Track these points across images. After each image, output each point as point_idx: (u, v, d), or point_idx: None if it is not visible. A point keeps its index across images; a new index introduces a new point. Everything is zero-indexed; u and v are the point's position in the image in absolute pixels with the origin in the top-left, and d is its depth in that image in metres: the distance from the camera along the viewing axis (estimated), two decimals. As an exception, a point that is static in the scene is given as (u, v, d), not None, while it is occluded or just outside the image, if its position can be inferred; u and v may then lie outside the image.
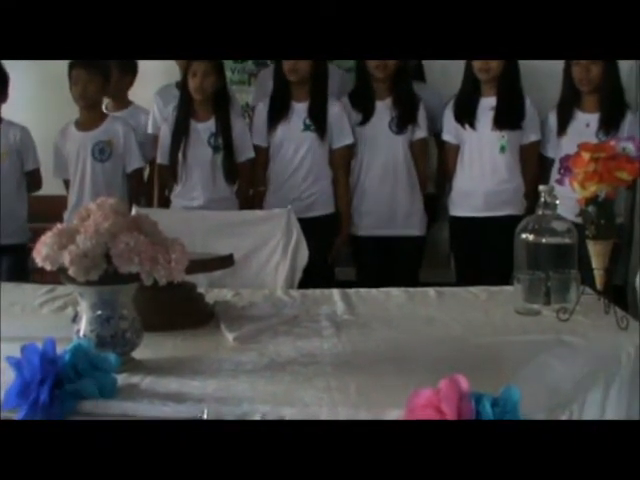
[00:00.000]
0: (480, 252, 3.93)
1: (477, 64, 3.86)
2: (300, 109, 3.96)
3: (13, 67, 4.00)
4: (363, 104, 4.02)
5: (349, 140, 4.00)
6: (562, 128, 3.91)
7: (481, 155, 3.95)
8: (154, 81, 4.58)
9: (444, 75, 4.33)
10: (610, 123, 3.81)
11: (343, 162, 4.04)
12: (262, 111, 4.03)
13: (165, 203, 4.07)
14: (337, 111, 3.98)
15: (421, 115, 4.04)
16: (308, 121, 3.96)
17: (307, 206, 3.90)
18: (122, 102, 4.41)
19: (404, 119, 4.00)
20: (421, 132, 4.06)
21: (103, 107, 4.29)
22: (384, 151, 4.02)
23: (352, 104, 4.04)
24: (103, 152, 4.05)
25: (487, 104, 3.92)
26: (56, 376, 1.71)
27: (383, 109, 4.01)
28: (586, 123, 3.86)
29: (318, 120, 3.94)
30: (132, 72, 4.43)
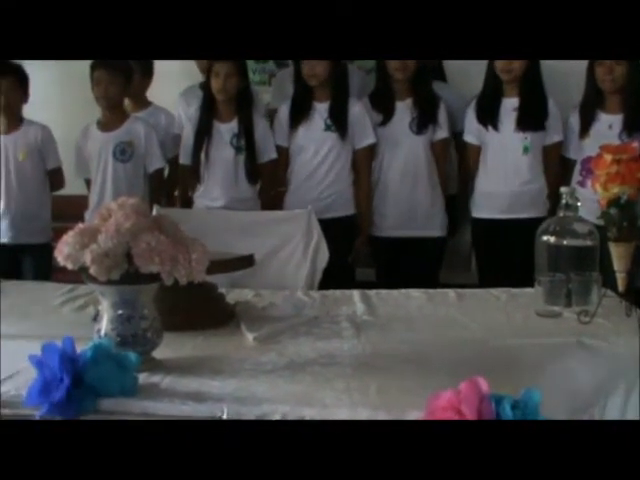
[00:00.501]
0: (503, 254, 3.90)
1: (499, 64, 3.84)
2: (321, 109, 3.96)
3: (34, 67, 4.03)
4: (383, 105, 4.01)
5: (371, 140, 3.99)
6: (584, 129, 3.88)
7: (504, 156, 3.93)
8: (175, 83, 4.60)
9: (465, 75, 4.31)
10: (633, 125, 3.78)
11: (366, 162, 4.03)
12: (284, 112, 4.03)
13: (188, 203, 4.08)
14: (358, 111, 3.97)
15: (442, 115, 4.02)
16: (329, 121, 3.95)
17: (326, 207, 3.89)
18: (142, 102, 4.41)
19: (424, 119, 3.99)
20: (442, 132, 4.05)
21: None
22: (404, 152, 4.01)
23: (372, 105, 4.03)
24: (124, 152, 4.07)
25: (510, 105, 3.90)
26: (76, 374, 1.72)
27: (404, 109, 4.00)
28: (609, 124, 3.83)
29: (339, 120, 3.94)
30: (150, 72, 4.44)
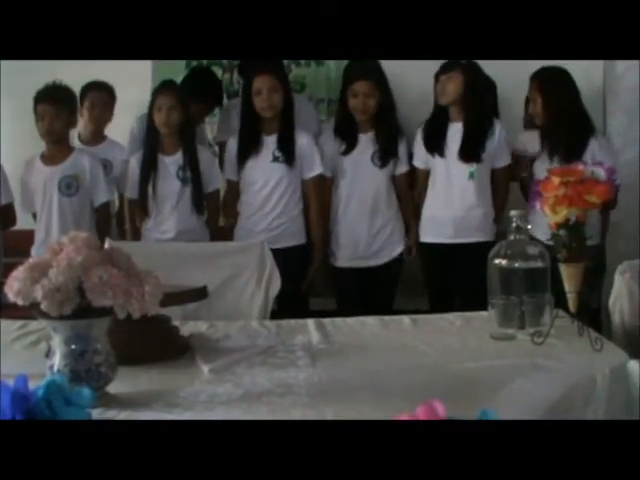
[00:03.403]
0: (451, 278, 3.93)
1: (438, 89, 3.89)
2: (269, 142, 3.98)
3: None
4: (346, 137, 4.03)
5: (319, 170, 4.01)
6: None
7: (450, 181, 3.95)
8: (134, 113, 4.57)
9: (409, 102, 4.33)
10: (572, 148, 3.83)
11: (315, 192, 4.04)
12: (233, 146, 4.04)
13: (137, 236, 4.05)
14: (305, 142, 4.00)
15: (402, 149, 4.04)
16: (277, 152, 3.97)
17: (276, 236, 3.89)
18: (98, 136, 4.37)
19: (386, 154, 3.99)
20: (403, 166, 4.06)
21: (77, 141, 4.27)
22: (366, 183, 4.01)
23: (336, 134, 4.05)
24: (70, 186, 4.02)
25: (455, 130, 3.93)
26: (27, 413, 1.68)
27: (366, 142, 4.02)
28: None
29: (287, 151, 3.96)
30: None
